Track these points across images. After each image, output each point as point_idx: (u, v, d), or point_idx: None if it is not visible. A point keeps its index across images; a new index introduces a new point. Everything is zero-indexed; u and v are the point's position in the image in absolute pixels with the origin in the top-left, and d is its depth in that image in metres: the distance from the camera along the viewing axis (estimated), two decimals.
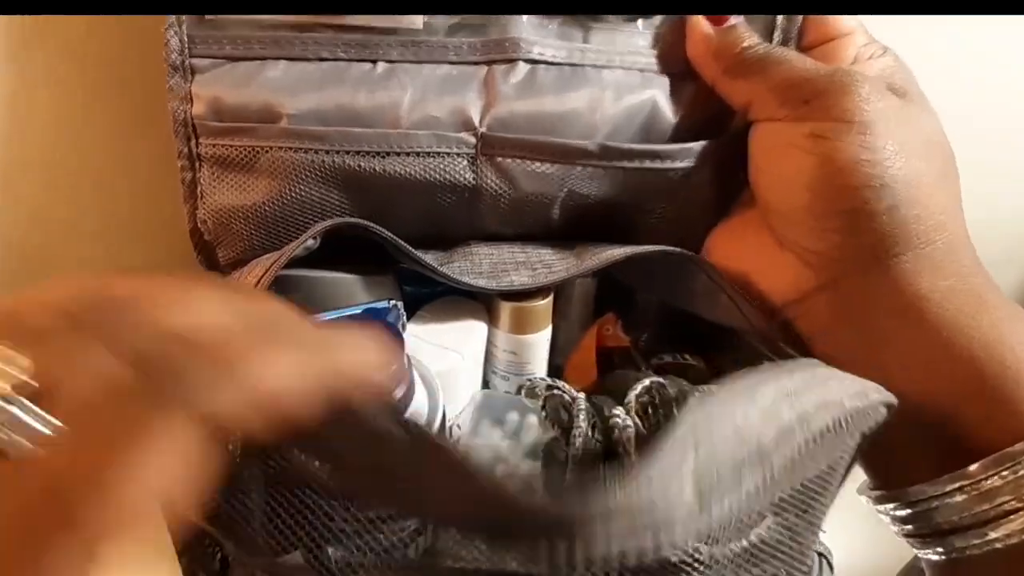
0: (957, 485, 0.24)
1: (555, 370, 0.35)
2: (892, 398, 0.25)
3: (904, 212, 0.25)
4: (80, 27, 0.33)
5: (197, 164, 0.31)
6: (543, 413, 0.29)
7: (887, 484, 0.28)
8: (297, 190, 0.31)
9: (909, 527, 0.27)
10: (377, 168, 0.30)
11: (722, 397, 0.20)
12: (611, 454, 0.27)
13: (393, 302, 0.28)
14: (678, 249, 0.30)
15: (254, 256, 0.32)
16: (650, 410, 0.29)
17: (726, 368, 0.34)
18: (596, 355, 0.36)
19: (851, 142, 0.25)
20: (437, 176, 0.31)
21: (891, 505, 0.27)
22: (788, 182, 0.28)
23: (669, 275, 0.33)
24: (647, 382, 0.30)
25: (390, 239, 0.27)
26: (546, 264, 0.32)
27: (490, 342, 0.33)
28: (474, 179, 0.32)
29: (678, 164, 0.31)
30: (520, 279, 0.30)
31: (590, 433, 0.27)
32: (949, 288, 0.26)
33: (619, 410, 0.28)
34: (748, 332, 0.31)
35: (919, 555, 0.28)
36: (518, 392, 0.33)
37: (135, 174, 0.37)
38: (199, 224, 0.32)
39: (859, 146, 0.25)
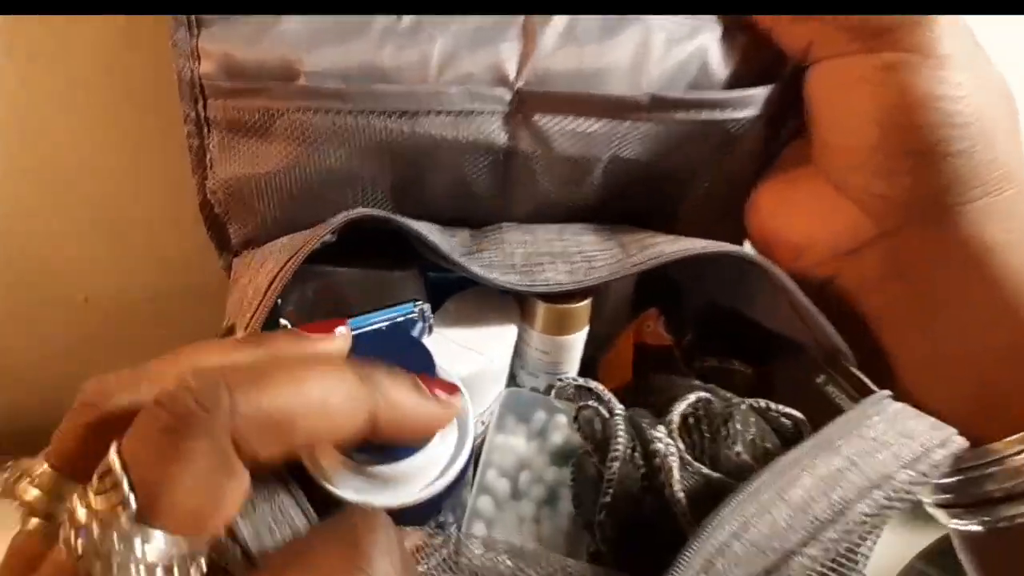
0: (1016, 450, 0.24)
1: (587, 365, 0.33)
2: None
3: (979, 156, 0.24)
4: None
5: (206, 129, 0.28)
6: (575, 424, 0.27)
7: None
8: (316, 157, 0.28)
9: (950, 496, 0.26)
10: (405, 130, 0.27)
11: (756, 492, 0.19)
12: (650, 479, 0.25)
13: (418, 306, 0.26)
14: (740, 250, 0.27)
15: (267, 233, 0.29)
16: (694, 430, 0.26)
17: (777, 381, 0.31)
18: (633, 352, 0.33)
19: (928, 76, 0.24)
20: (469, 137, 0.28)
21: None
22: (856, 119, 0.26)
23: (723, 274, 0.30)
24: (693, 398, 0.27)
25: (414, 232, 0.25)
26: (586, 256, 0.29)
27: (521, 338, 0.30)
28: (508, 141, 0.28)
29: (737, 114, 0.28)
30: (557, 276, 0.27)
31: (628, 455, 0.25)
32: (1016, 241, 0.24)
33: (661, 430, 0.25)
34: (810, 347, 0.28)
35: (953, 526, 0.26)
36: (547, 391, 0.31)
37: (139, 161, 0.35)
38: (208, 195, 0.29)
39: (936, 81, 0.23)
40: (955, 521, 0.26)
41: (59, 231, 0.37)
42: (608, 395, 0.28)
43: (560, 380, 0.31)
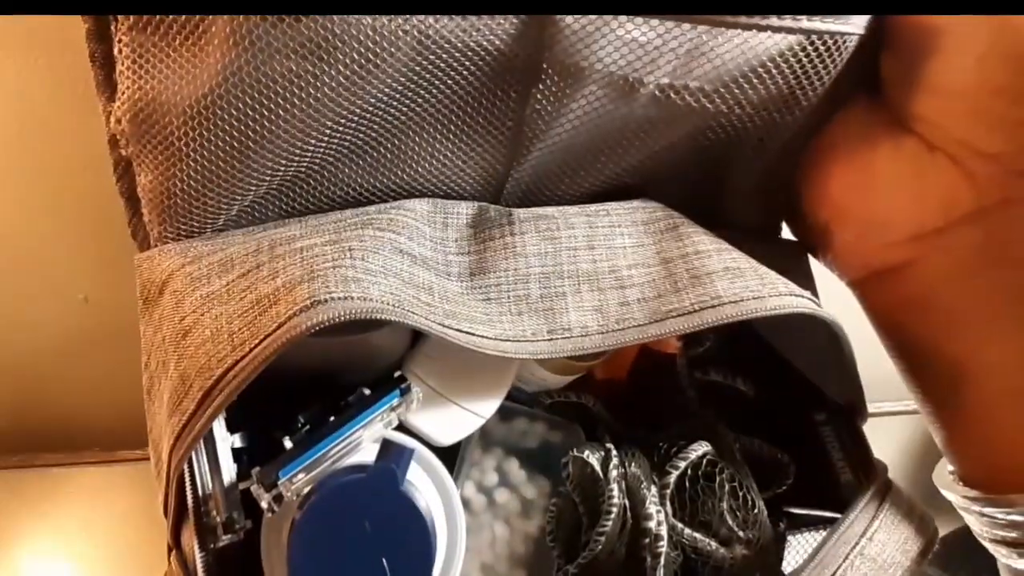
0: None
1: None
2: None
3: None
4: None
5: (115, 28, 0.18)
6: (566, 472, 0.25)
7: (994, 486, 0.23)
8: (267, 69, 0.18)
9: (1014, 534, 0.23)
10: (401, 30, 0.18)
11: None
12: (635, 547, 0.24)
13: (405, 395, 0.20)
14: (816, 310, 0.22)
15: (187, 191, 0.21)
16: (687, 490, 0.26)
17: (776, 405, 0.30)
18: (636, 355, 0.30)
19: None
20: (481, 41, 0.19)
21: (999, 509, 0.23)
22: (974, 54, 0.21)
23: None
24: (693, 456, 0.26)
25: (409, 322, 0.18)
26: (619, 280, 0.23)
27: (521, 366, 0.26)
28: (533, 51, 0.20)
29: (840, 27, 0.21)
30: (583, 319, 0.22)
31: (617, 532, 0.24)
32: None
33: (654, 501, 0.24)
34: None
35: (1007, 564, 0.24)
36: (532, 404, 0.28)
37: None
38: (113, 126, 0.20)
39: None
40: (1007, 560, 0.23)
41: (59, 231, 0.37)
42: (605, 454, 0.25)
43: (549, 395, 0.28)
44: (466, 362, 0.24)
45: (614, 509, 0.24)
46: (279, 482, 0.17)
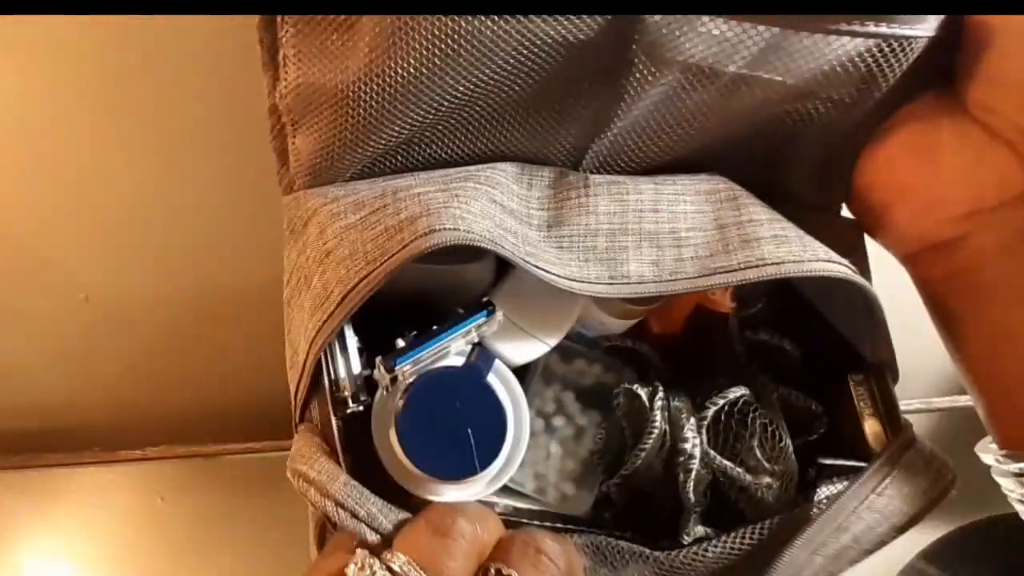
0: None
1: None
2: None
3: None
4: None
5: (280, 22, 0.24)
6: (616, 401, 0.30)
7: None
8: (402, 60, 0.24)
9: None
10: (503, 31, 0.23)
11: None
12: (670, 470, 0.29)
13: (492, 314, 0.25)
14: (850, 275, 0.26)
15: (333, 158, 0.27)
16: (723, 424, 0.30)
17: (817, 364, 0.33)
18: (690, 312, 0.34)
19: None
20: (581, 36, 0.24)
21: None
22: None
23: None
24: (732, 396, 0.29)
25: (495, 251, 0.23)
26: (677, 239, 0.27)
27: (584, 307, 0.31)
28: (617, 41, 0.24)
29: (909, 31, 0.24)
30: (640, 270, 0.26)
31: (656, 447, 0.28)
32: None
33: (692, 429, 0.29)
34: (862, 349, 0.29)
35: None
36: (591, 347, 0.33)
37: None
38: (278, 101, 0.26)
39: None
40: None
41: (59, 231, 0.37)
42: (654, 392, 0.29)
43: (608, 341, 0.33)
44: (537, 301, 0.29)
45: (655, 431, 0.28)
46: (395, 368, 0.23)
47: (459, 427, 0.23)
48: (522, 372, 0.32)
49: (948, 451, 0.28)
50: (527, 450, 0.32)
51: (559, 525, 0.30)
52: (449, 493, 0.24)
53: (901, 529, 0.26)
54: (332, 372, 0.24)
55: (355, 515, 0.21)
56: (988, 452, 0.28)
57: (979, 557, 0.27)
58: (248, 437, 0.42)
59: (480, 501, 0.29)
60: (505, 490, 0.31)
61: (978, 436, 0.29)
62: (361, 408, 0.24)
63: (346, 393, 0.23)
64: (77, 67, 0.32)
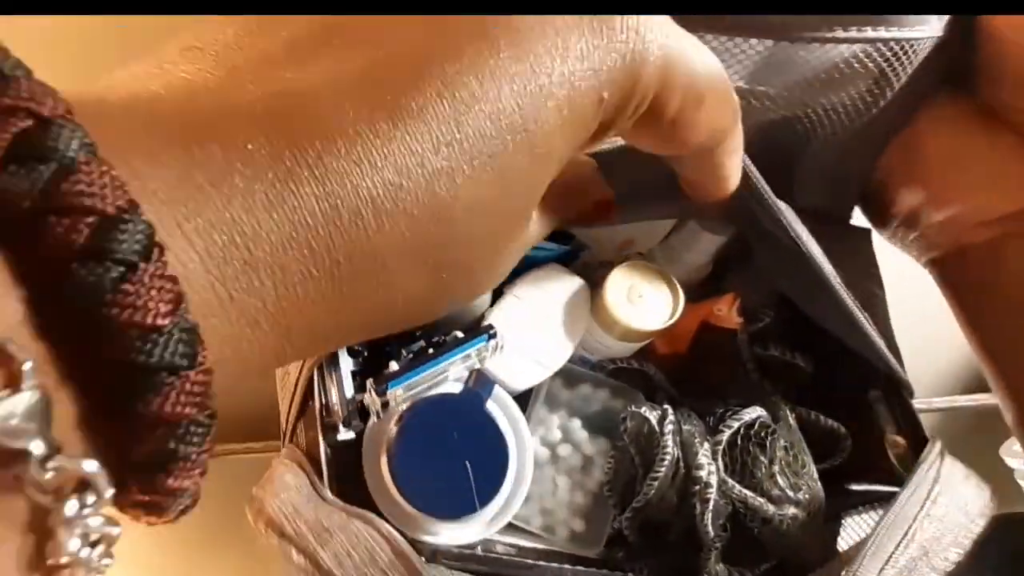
0: None
1: None
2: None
3: None
4: None
5: None
6: (623, 426, 0.29)
7: None
8: None
9: None
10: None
11: None
12: (684, 499, 0.27)
13: (492, 338, 0.24)
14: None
15: None
16: (740, 448, 0.28)
17: (833, 381, 0.32)
18: (696, 330, 0.33)
19: None
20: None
21: None
22: None
23: (806, 282, 0.28)
24: (747, 418, 0.28)
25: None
26: None
27: (587, 329, 0.30)
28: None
29: (912, 32, 0.24)
30: None
31: (670, 476, 0.27)
32: None
33: (706, 454, 0.27)
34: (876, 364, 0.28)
35: None
36: (597, 368, 0.32)
37: None
38: None
39: None
40: None
41: None
42: (663, 413, 0.28)
43: (613, 363, 0.32)
44: (538, 324, 0.28)
45: (667, 458, 0.27)
46: (387, 391, 0.22)
47: (457, 460, 0.21)
48: (523, 398, 0.31)
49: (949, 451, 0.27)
50: (532, 483, 0.31)
51: (567, 567, 0.28)
52: (445, 532, 0.23)
53: (962, 545, 0.24)
54: (323, 395, 0.23)
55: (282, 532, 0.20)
56: (1014, 456, 0.27)
57: (982, 559, 0.25)
58: (248, 437, 0.40)
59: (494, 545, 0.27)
60: (509, 528, 0.30)
61: (980, 435, 0.28)
62: (353, 435, 0.22)
63: (337, 418, 0.22)
64: (76, 67, 0.32)
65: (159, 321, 0.09)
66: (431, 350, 0.23)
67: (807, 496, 0.28)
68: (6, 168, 0.08)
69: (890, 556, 0.22)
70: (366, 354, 0.24)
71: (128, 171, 0.09)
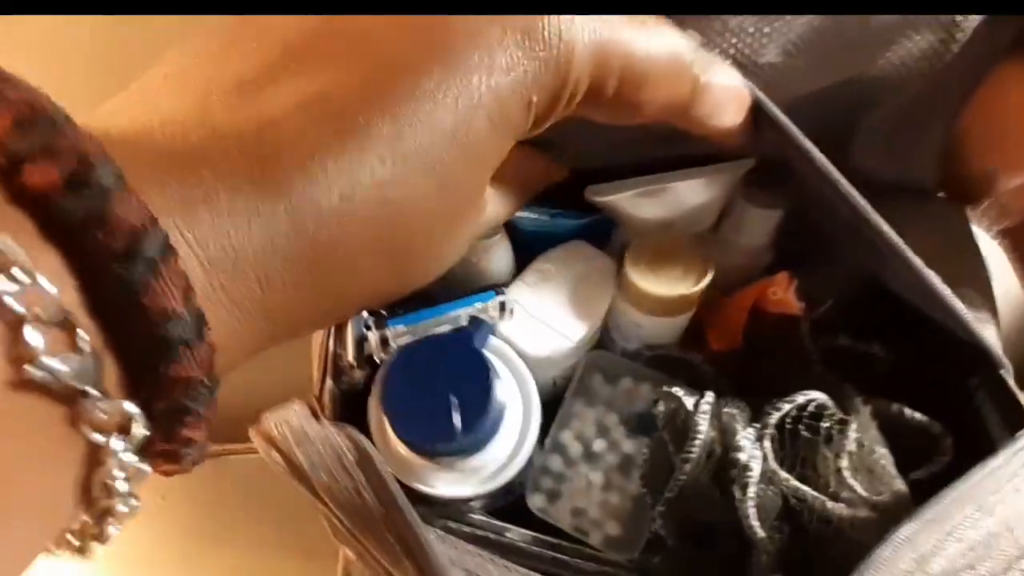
0: None
1: (693, 325, 0.31)
2: None
3: None
4: None
5: None
6: (659, 408, 0.26)
7: None
8: None
9: None
10: None
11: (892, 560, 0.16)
12: (724, 485, 0.24)
13: (500, 296, 0.25)
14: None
15: None
16: (795, 435, 0.24)
17: (920, 372, 0.26)
18: (748, 316, 0.30)
19: None
20: None
21: None
22: None
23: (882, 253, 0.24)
24: (801, 400, 0.24)
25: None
26: None
27: (615, 306, 0.29)
28: None
29: None
30: None
31: (704, 458, 0.24)
32: None
33: (748, 436, 0.24)
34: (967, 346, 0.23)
35: None
36: (636, 358, 0.30)
37: None
38: None
39: None
40: None
41: None
42: (701, 395, 0.26)
43: (651, 350, 0.30)
44: (560, 294, 0.28)
45: (699, 437, 0.24)
46: (387, 327, 0.22)
47: (443, 392, 0.21)
48: (563, 390, 0.29)
49: None
50: (563, 482, 0.29)
51: (593, 566, 0.25)
52: (442, 484, 0.22)
53: None
54: (335, 341, 0.24)
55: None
56: None
57: None
58: (248, 437, 0.41)
59: (504, 531, 0.26)
60: (537, 524, 0.28)
61: None
62: (360, 377, 0.23)
63: (345, 363, 0.23)
64: (77, 67, 0.33)
65: (176, 306, 0.12)
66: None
67: (885, 498, 0.23)
68: (65, 196, 0.12)
69: (956, 526, 0.17)
70: (383, 311, 0.26)
71: (144, 194, 0.12)
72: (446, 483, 0.22)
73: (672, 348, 0.29)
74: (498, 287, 0.25)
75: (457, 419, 0.20)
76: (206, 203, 0.13)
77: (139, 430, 0.12)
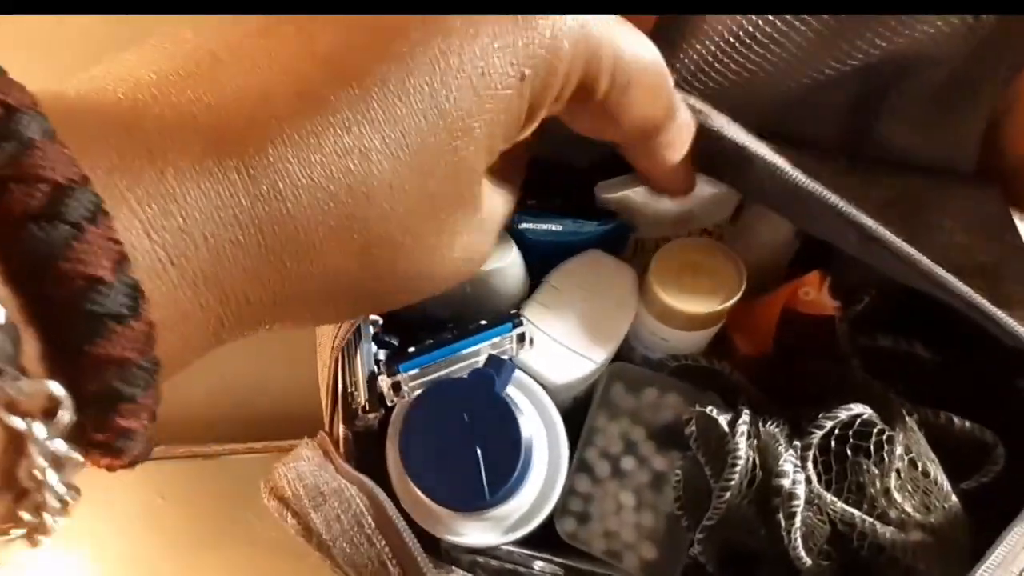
0: None
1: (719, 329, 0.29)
2: None
3: None
4: None
5: None
6: (691, 430, 0.25)
7: None
8: None
9: None
10: None
11: None
12: (767, 512, 0.23)
13: (517, 328, 0.23)
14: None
15: None
16: (839, 454, 0.23)
17: (966, 374, 0.25)
18: (780, 319, 0.28)
19: None
20: None
21: None
22: None
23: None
24: (844, 416, 0.23)
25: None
26: None
27: (637, 319, 0.27)
28: None
29: None
30: None
31: (744, 485, 0.23)
32: None
33: (791, 459, 0.23)
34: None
35: None
36: (660, 368, 0.28)
37: None
38: None
39: None
40: None
41: None
42: (737, 413, 0.24)
43: (676, 360, 0.28)
44: (578, 312, 0.26)
45: (739, 462, 0.23)
46: (398, 373, 0.21)
47: (467, 445, 0.19)
48: (584, 405, 0.28)
49: None
50: (592, 502, 0.27)
51: None
52: (470, 532, 0.21)
53: None
54: (345, 379, 0.22)
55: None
56: None
57: None
58: (248, 437, 0.41)
59: (532, 561, 0.25)
60: (567, 550, 0.27)
61: None
62: (375, 419, 0.22)
63: (357, 404, 0.22)
64: (75, 66, 0.36)
65: (104, 275, 0.11)
66: (450, 336, 0.22)
67: (940, 519, 0.22)
68: None
69: None
70: (396, 344, 0.24)
71: (81, 151, 0.11)
72: (475, 531, 0.21)
73: (699, 357, 0.28)
74: (515, 317, 0.23)
75: (484, 477, 0.19)
76: (151, 160, 0.12)
77: (66, 415, 0.11)
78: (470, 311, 0.25)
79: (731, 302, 0.25)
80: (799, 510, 0.21)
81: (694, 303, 0.25)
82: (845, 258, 0.27)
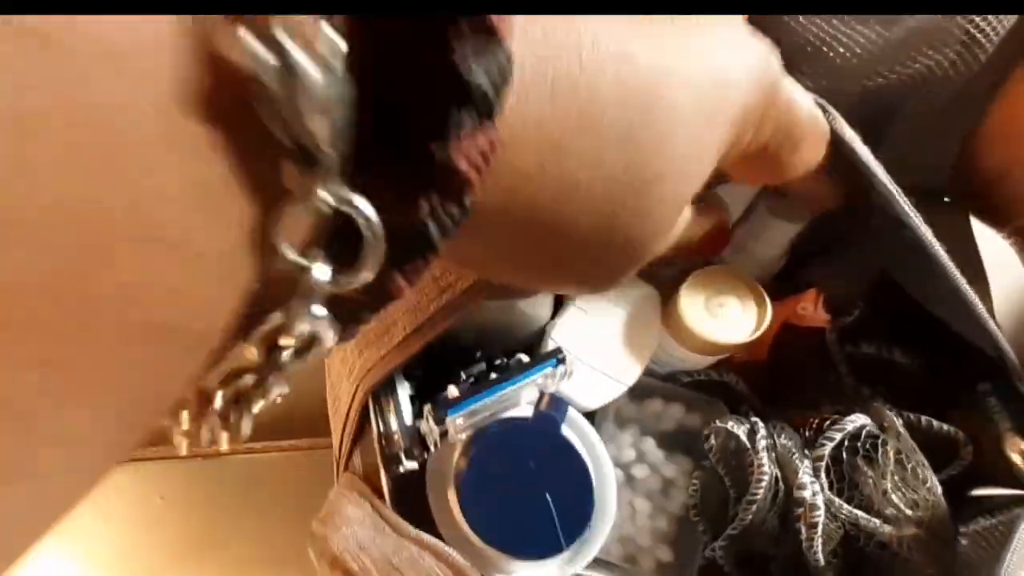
0: None
1: None
2: None
3: None
4: None
5: None
6: (708, 445, 0.26)
7: None
8: None
9: None
10: None
11: None
12: (787, 523, 0.25)
13: (560, 363, 0.22)
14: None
15: None
16: (842, 462, 0.25)
17: (939, 376, 0.28)
18: (776, 333, 0.30)
19: None
20: None
21: None
22: None
23: (908, 264, 0.25)
24: (850, 428, 0.25)
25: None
26: None
27: (659, 341, 0.27)
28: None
29: None
30: None
31: (768, 499, 0.24)
32: None
33: (808, 473, 0.24)
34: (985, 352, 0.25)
35: None
36: (667, 379, 0.29)
37: None
38: None
39: None
40: None
41: None
42: (751, 424, 0.26)
43: (688, 374, 0.29)
44: (605, 335, 0.26)
45: (765, 478, 0.24)
46: (446, 419, 0.20)
47: (535, 492, 0.19)
48: (588, 416, 0.29)
49: None
50: None
51: None
52: (522, 571, 0.21)
53: None
54: (381, 423, 0.21)
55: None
56: None
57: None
58: (248, 437, 0.40)
59: None
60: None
61: None
62: (416, 465, 0.21)
63: (398, 448, 0.20)
64: None
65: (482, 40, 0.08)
66: (493, 374, 0.21)
67: (927, 513, 0.25)
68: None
69: None
70: (423, 376, 0.23)
71: None
72: (527, 571, 0.21)
73: (710, 372, 0.29)
74: (558, 354, 0.23)
75: (559, 525, 0.19)
76: None
77: (373, 218, 0.08)
78: (497, 336, 0.25)
79: (759, 333, 0.26)
80: (820, 520, 0.24)
81: (722, 332, 0.25)
82: (837, 275, 0.30)
